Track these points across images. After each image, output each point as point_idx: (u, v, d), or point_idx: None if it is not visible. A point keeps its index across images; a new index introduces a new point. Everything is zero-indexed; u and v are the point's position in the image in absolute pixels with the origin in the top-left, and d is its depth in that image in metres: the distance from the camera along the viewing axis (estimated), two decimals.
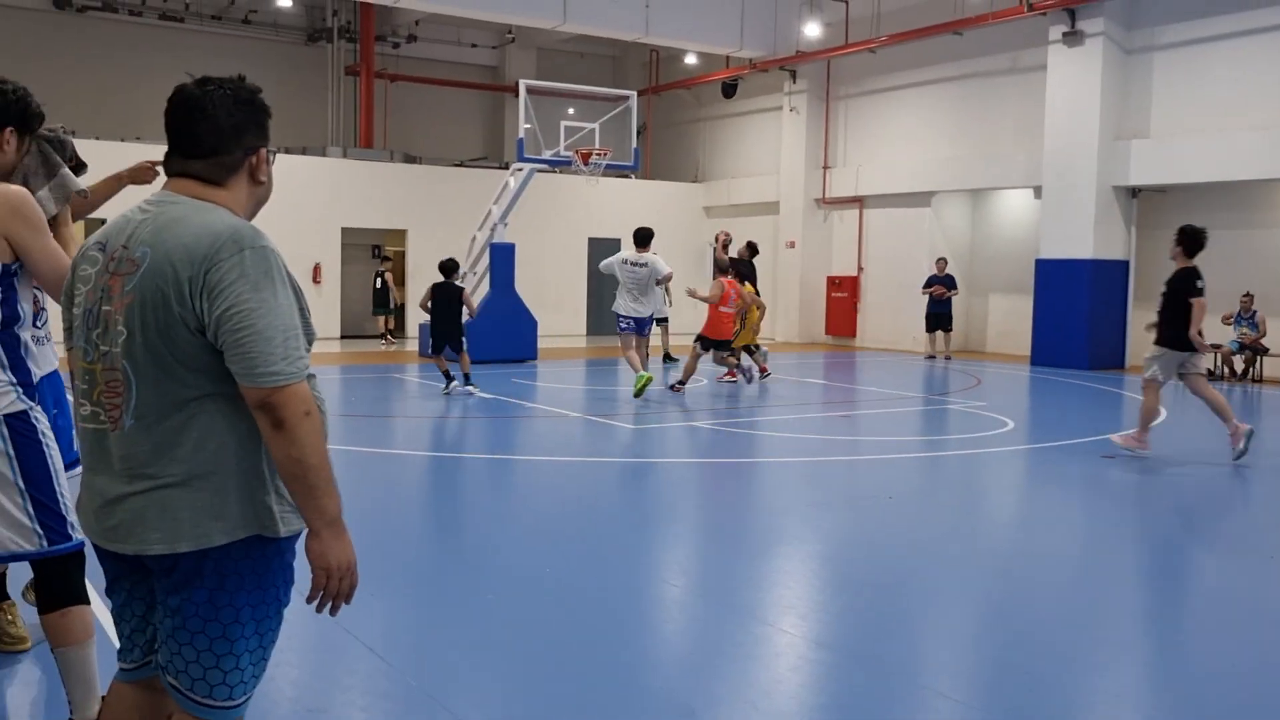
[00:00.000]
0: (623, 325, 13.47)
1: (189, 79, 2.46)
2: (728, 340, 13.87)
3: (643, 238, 13.73)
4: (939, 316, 20.53)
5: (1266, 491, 9.07)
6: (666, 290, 14.50)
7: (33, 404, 3.42)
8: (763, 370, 15.28)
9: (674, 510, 7.93)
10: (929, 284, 20.67)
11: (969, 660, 4.84)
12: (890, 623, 5.19)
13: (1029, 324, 19.66)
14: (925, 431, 11.61)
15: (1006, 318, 21.69)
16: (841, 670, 4.61)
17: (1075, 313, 18.57)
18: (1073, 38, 18.40)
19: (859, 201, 23.64)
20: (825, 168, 24.23)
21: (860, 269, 23.76)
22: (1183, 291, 9.52)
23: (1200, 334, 9.51)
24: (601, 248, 25.02)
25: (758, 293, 15.55)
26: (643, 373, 12.79)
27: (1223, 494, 8.84)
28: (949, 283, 20.58)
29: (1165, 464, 10.01)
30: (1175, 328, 9.52)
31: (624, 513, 7.73)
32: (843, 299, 24.00)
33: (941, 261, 20.88)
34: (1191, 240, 9.68)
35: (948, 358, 20.22)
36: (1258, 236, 17.86)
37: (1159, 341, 9.70)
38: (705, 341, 13.71)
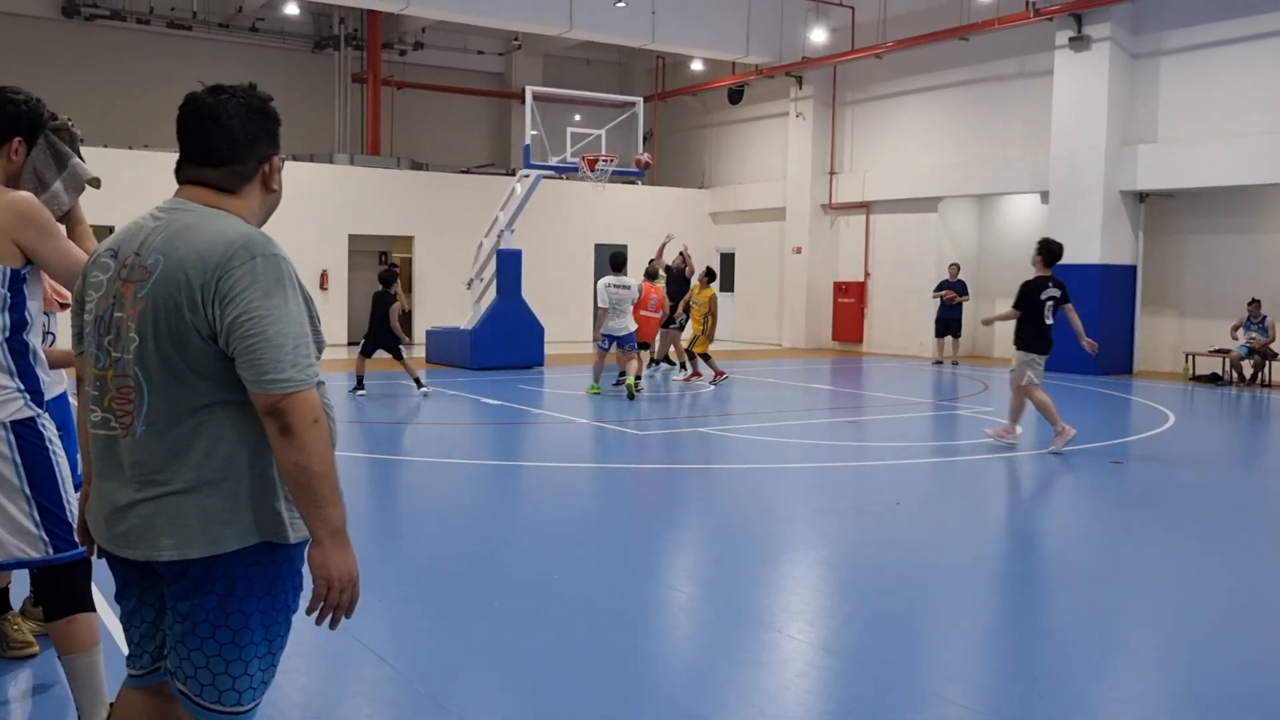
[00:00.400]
0: (603, 344, 14.61)
1: (200, 87, 2.48)
2: (646, 341, 15.21)
3: (618, 262, 14.84)
4: (949, 322, 20.51)
5: None
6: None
7: (40, 410, 3.42)
8: (698, 374, 16.09)
9: (680, 516, 7.92)
10: (940, 288, 20.64)
11: (977, 666, 4.83)
12: (898, 629, 5.18)
13: None
14: (933, 437, 11.59)
15: (1014, 323, 21.59)
16: (849, 676, 4.60)
17: (1083, 317, 18.38)
18: (1079, 43, 18.38)
19: (865, 207, 23.63)
20: (832, 173, 24.22)
21: (867, 274, 23.74)
22: (1031, 298, 10.35)
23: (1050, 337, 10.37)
24: (609, 254, 25.08)
25: (676, 307, 16.28)
26: (595, 384, 14.57)
27: (1236, 499, 8.81)
28: (960, 288, 20.57)
29: (1177, 469, 9.98)
30: (1030, 331, 10.27)
31: (630, 518, 7.72)
32: (849, 304, 23.98)
33: (954, 267, 20.88)
34: (1049, 252, 10.51)
35: (955, 363, 20.19)
36: (1265, 241, 17.82)
37: (1021, 346, 10.37)
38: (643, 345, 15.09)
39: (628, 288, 14.36)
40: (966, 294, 20.67)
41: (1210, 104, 17.53)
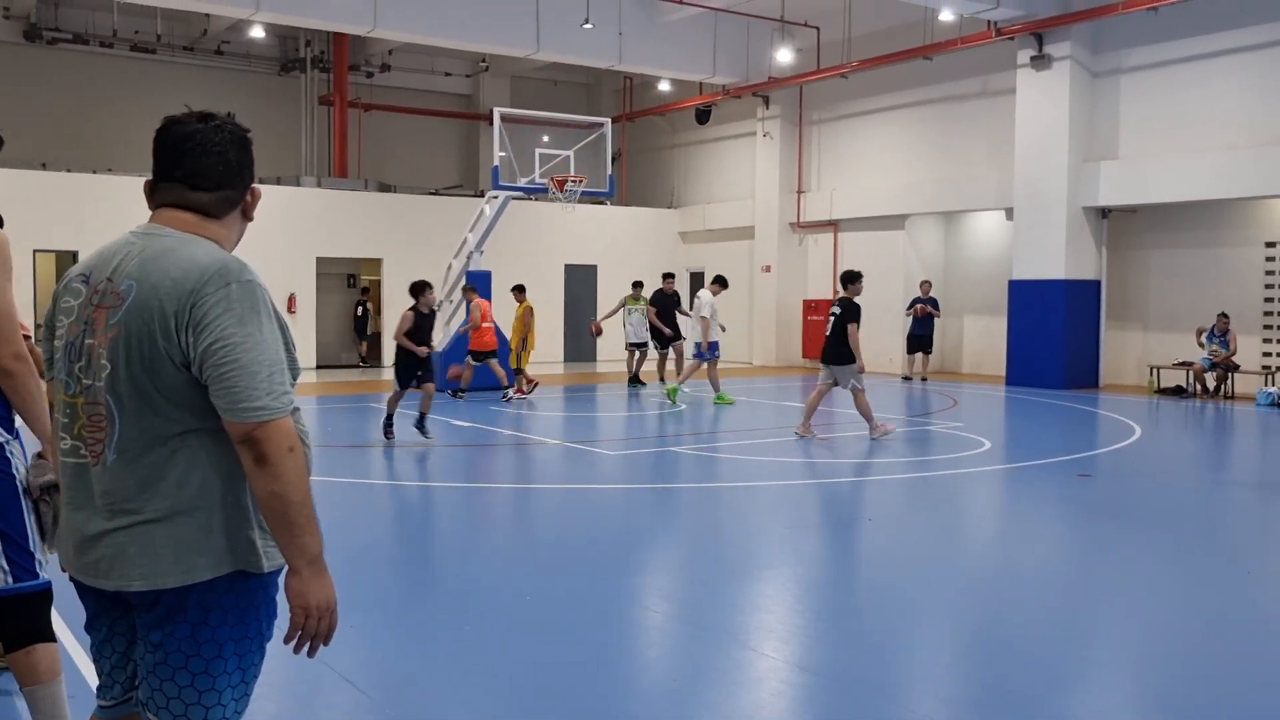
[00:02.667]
0: (712, 353, 16.10)
1: (178, 111, 2.47)
2: (493, 350, 16.39)
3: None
4: (920, 338, 20.63)
5: (1252, 509, 9.15)
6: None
7: (10, 437, 3.38)
8: (521, 391, 16.78)
9: (653, 535, 7.92)
10: (913, 304, 20.77)
11: (953, 682, 4.85)
12: (873, 645, 5.20)
13: (1004, 344, 19.82)
14: (904, 453, 11.65)
15: (981, 339, 21.84)
16: (825, 694, 4.61)
17: (1049, 332, 18.73)
18: (1040, 62, 18.64)
19: (834, 225, 23.79)
20: (799, 192, 24.38)
21: (836, 292, 23.82)
22: (846, 319, 12.15)
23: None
24: (578, 274, 25.10)
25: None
26: (723, 394, 16.04)
27: (1202, 511, 8.90)
28: (933, 304, 20.72)
29: (1144, 481, 10.09)
30: (838, 346, 12.17)
31: (603, 538, 7.71)
32: (819, 322, 24.04)
33: (926, 284, 21.03)
34: (849, 279, 12.69)
35: (924, 379, 20.32)
36: (1225, 255, 18.08)
37: (830, 361, 12.32)
38: (475, 354, 16.38)
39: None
40: (938, 310, 20.83)
41: (1170, 120, 17.81)
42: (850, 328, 12.06)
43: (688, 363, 16.98)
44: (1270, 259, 17.56)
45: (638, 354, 18.60)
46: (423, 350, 11.64)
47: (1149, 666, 5.05)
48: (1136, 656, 5.19)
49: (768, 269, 24.67)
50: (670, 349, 17.77)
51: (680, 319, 17.83)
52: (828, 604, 6.03)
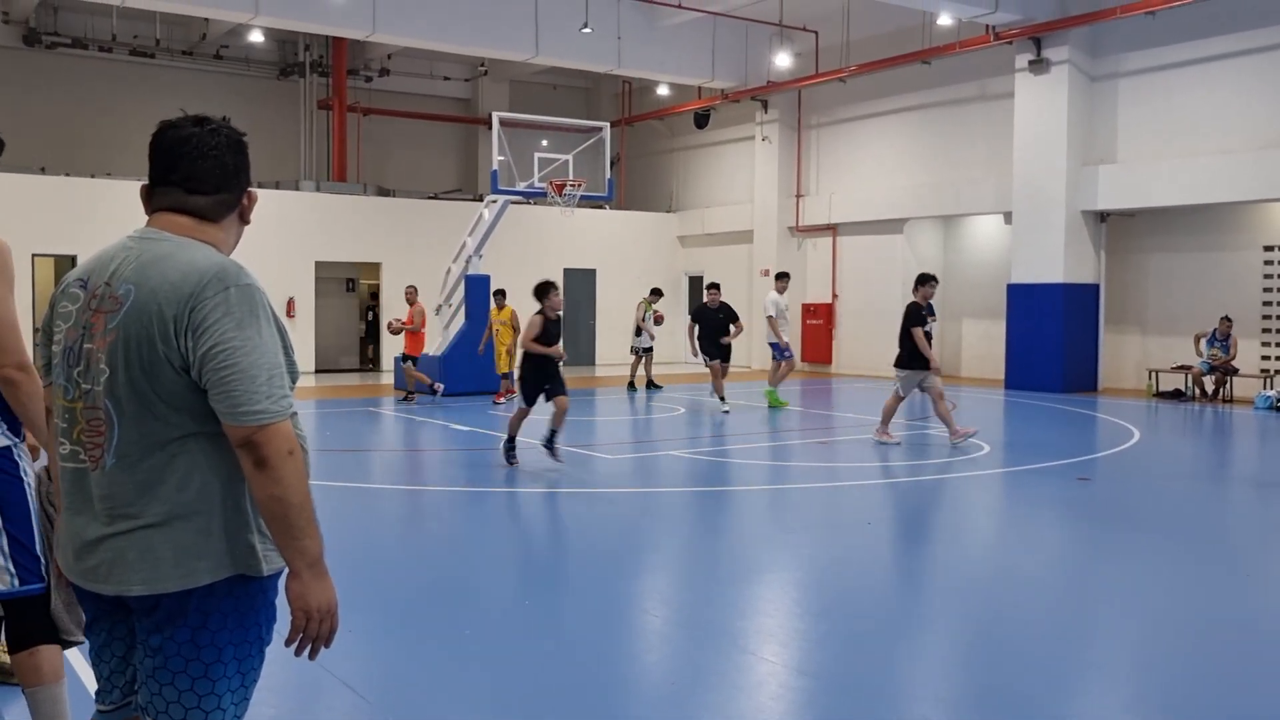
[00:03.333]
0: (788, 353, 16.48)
1: (177, 115, 2.47)
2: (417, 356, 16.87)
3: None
4: None
5: (1250, 511, 9.15)
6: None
7: (17, 440, 3.38)
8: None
9: (651, 539, 7.91)
10: None
11: (951, 684, 4.84)
12: (872, 649, 5.20)
13: (1003, 348, 19.82)
14: (903, 457, 11.65)
15: (980, 342, 21.84)
16: (824, 698, 4.60)
17: (1048, 336, 18.74)
18: (1039, 65, 18.66)
19: (832, 229, 23.80)
20: (798, 196, 24.40)
21: (835, 296, 23.89)
22: (905, 323, 12.02)
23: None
24: (577, 279, 25.09)
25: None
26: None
27: (1201, 513, 8.90)
28: (929, 309, 20.55)
29: (1143, 484, 10.09)
30: (900, 350, 12.00)
31: (601, 542, 7.70)
32: (818, 326, 24.11)
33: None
34: (919, 281, 12.40)
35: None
36: (1224, 259, 18.10)
37: (897, 365, 12.07)
38: (408, 356, 16.80)
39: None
40: (934, 315, 20.69)
41: (1168, 124, 17.83)
42: (914, 331, 11.93)
43: (772, 365, 16.59)
44: (1269, 262, 17.58)
45: (644, 358, 18.82)
46: (557, 352, 10.27)
47: (1147, 667, 5.05)
48: (1135, 658, 5.19)
49: (766, 273, 24.64)
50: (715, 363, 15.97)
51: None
52: (827, 608, 6.02)
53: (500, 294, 16.99)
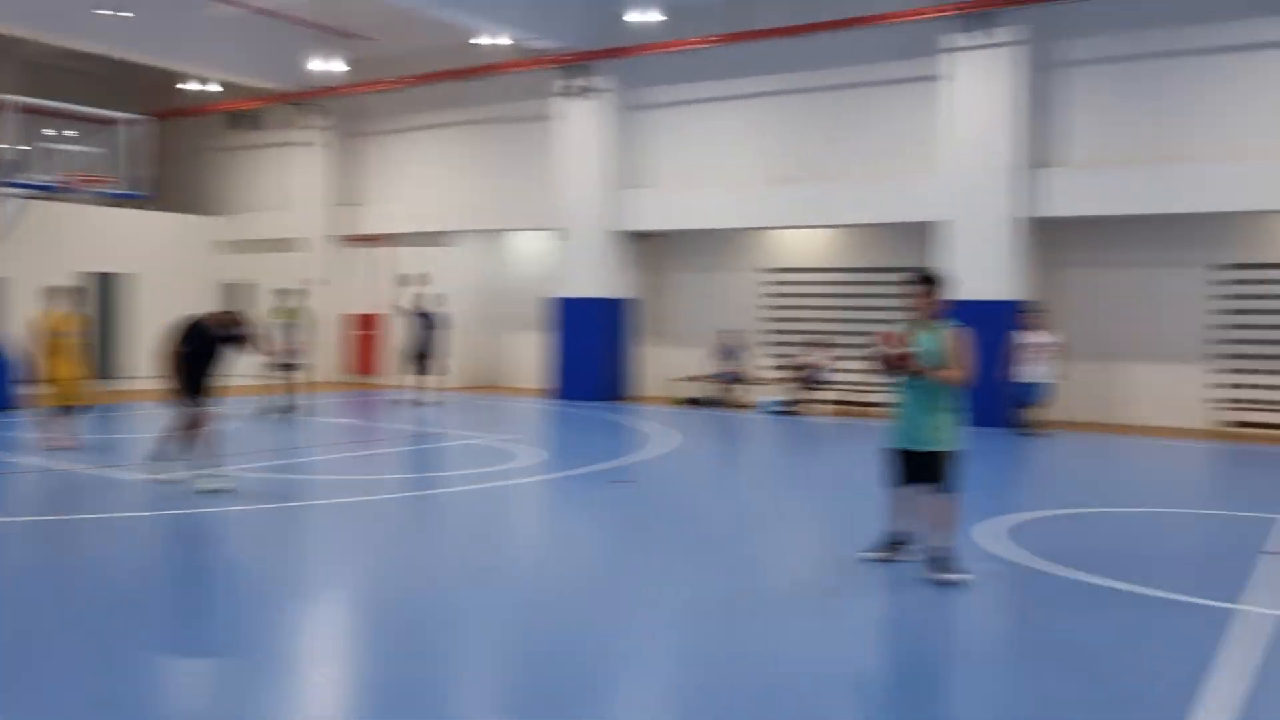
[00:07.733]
0: None
1: None
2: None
3: None
4: (420, 353, 19.06)
5: (754, 502, 10.34)
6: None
7: None
8: None
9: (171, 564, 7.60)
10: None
11: (502, 690, 5.17)
12: (419, 662, 5.42)
13: (543, 359, 20.84)
14: (450, 467, 11.90)
15: (522, 354, 22.76)
16: (376, 715, 4.74)
17: (587, 349, 19.99)
18: (578, 91, 19.90)
19: (382, 239, 23.77)
20: (349, 205, 24.13)
21: (398, 306, 23.74)
22: None
23: None
24: (111, 283, 23.05)
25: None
26: None
27: (713, 507, 9.95)
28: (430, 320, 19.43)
29: (680, 483, 11.08)
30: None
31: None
32: (366, 336, 23.94)
33: (419, 296, 19.75)
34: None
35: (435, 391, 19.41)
36: (728, 279, 20.26)
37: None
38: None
39: None
40: (434, 325, 19.48)
41: (694, 155, 19.66)
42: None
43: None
44: (767, 283, 19.96)
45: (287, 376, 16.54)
46: None
47: (684, 658, 5.54)
48: (668, 648, 5.67)
49: (309, 282, 23.83)
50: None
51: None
52: (375, 623, 6.15)
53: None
